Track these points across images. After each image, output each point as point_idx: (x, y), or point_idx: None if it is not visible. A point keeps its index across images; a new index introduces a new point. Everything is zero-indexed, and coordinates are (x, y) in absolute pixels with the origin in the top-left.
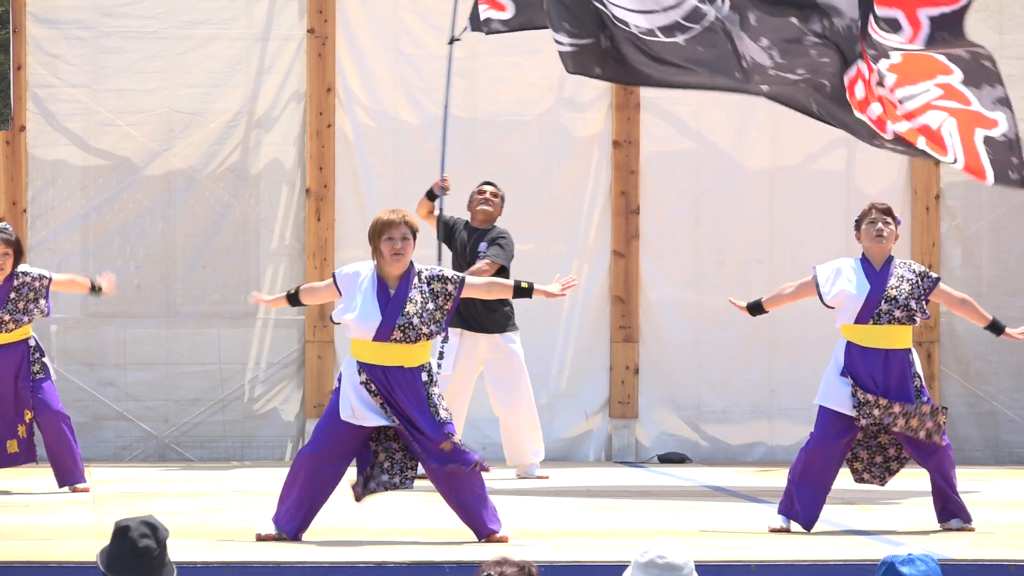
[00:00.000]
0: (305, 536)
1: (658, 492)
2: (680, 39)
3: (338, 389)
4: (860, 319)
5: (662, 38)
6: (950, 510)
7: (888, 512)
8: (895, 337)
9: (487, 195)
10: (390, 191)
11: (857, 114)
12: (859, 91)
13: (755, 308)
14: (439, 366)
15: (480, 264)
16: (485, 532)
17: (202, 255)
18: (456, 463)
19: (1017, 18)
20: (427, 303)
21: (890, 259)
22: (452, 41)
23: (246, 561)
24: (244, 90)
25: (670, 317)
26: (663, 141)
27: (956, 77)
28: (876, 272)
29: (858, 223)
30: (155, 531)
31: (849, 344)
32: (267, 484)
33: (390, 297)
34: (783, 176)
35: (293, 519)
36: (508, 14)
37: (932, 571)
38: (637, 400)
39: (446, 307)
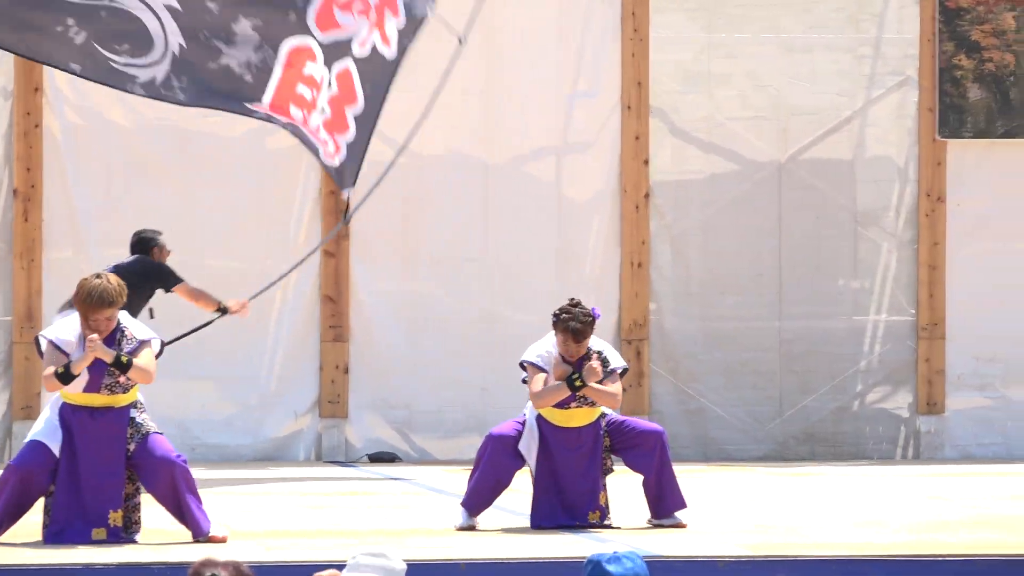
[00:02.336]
0: (12, 538)
1: (369, 491)
2: None
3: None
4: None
5: None
6: (666, 505)
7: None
8: (585, 415)
9: None
10: (100, 192)
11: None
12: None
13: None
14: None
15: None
16: (202, 532)
17: None
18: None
19: (727, 17)
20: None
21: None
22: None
23: None
24: None
25: (381, 317)
26: (372, 140)
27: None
28: (572, 365)
29: (555, 323)
30: None
31: (540, 416)
32: None
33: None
34: (496, 177)
35: None
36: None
37: (638, 568)
38: (347, 400)
39: None
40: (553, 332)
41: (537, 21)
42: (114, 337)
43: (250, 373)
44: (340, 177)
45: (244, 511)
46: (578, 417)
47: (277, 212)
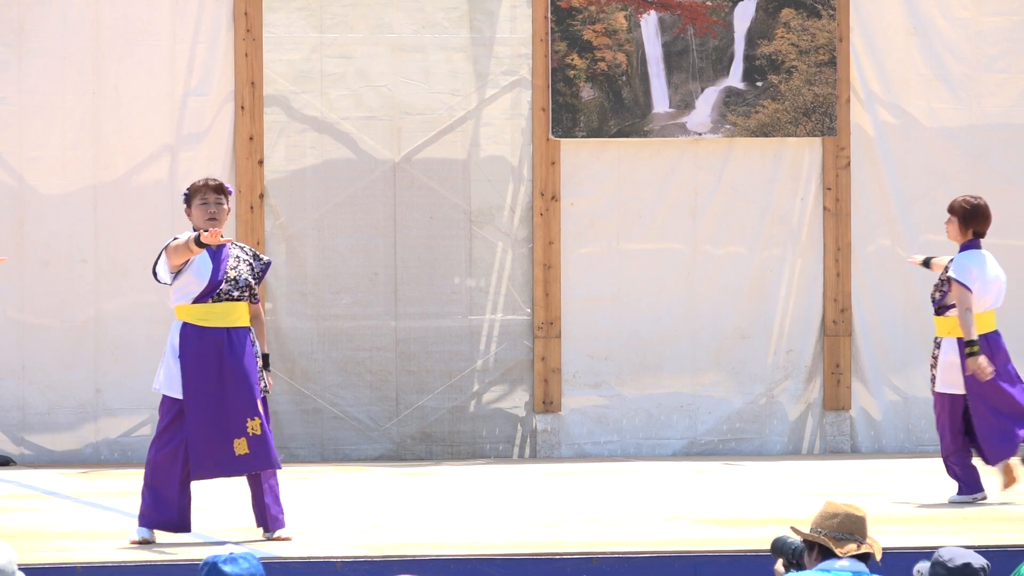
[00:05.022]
0: None
1: None
2: None
3: None
4: (200, 299)
5: None
6: (273, 515)
7: (214, 514)
8: (235, 315)
9: None
10: None
11: None
12: None
13: None
14: None
15: None
16: None
17: None
18: None
19: (338, 16)
20: None
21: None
22: None
23: None
24: None
25: None
26: None
27: None
28: (214, 251)
29: (188, 199)
30: None
31: (186, 325)
32: None
33: None
34: (107, 174)
35: None
36: None
37: (254, 568)
38: None
39: None
40: None
41: (147, 21)
42: None
43: None
44: None
45: None
46: (226, 314)
47: None
